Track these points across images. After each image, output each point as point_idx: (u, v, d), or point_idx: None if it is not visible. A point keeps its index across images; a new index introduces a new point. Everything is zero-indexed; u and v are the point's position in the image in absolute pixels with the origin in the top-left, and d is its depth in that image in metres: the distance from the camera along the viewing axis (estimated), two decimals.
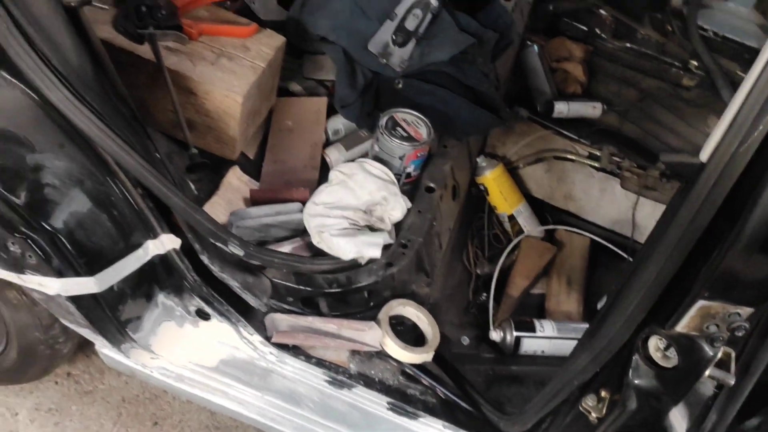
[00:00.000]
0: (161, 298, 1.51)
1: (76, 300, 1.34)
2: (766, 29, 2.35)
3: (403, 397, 1.51)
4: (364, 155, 1.68)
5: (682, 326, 1.06)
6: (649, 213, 2.04)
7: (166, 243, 1.42)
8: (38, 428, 1.86)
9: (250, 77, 1.52)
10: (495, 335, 1.73)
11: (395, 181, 1.56)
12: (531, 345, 1.71)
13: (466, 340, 1.75)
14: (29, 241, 1.24)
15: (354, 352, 1.52)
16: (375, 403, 1.50)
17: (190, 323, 1.54)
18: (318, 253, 1.50)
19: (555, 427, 1.34)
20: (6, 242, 1.25)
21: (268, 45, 1.60)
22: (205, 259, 1.45)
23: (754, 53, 1.01)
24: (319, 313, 1.52)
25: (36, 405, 1.90)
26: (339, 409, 1.52)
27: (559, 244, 2.05)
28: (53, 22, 1.17)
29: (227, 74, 1.51)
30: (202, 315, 1.53)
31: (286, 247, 1.52)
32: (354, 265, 1.48)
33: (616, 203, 2.09)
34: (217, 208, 1.53)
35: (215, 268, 1.46)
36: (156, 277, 1.48)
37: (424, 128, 1.60)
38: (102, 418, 1.91)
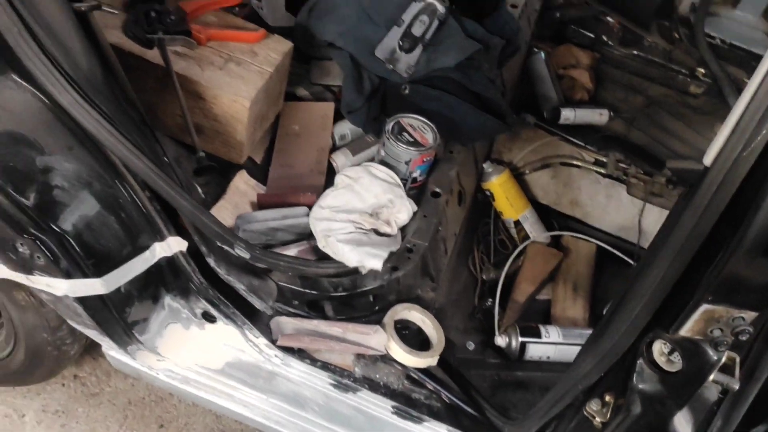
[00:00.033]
0: (168, 300, 1.52)
1: (83, 301, 1.35)
2: None
3: (408, 401, 1.51)
4: (371, 160, 1.68)
5: (686, 330, 1.06)
6: (656, 219, 2.03)
7: (173, 245, 1.43)
8: (45, 430, 1.87)
9: (257, 82, 1.53)
10: (500, 340, 1.72)
11: (401, 184, 1.56)
12: (536, 351, 1.71)
13: (471, 345, 1.74)
14: (38, 242, 1.25)
15: (359, 356, 1.52)
16: (380, 406, 1.50)
17: (196, 325, 1.54)
18: (324, 257, 1.51)
19: None
20: (15, 243, 1.26)
21: (275, 50, 1.61)
22: (211, 261, 1.46)
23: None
24: (324, 317, 1.52)
25: (43, 407, 1.91)
26: (344, 413, 1.52)
27: (565, 250, 2.05)
28: (64, 26, 1.18)
29: (235, 79, 1.52)
30: (208, 317, 1.54)
31: (292, 251, 1.52)
32: (359, 270, 1.49)
33: (622, 210, 2.09)
34: (224, 212, 1.54)
35: (221, 271, 1.47)
36: (163, 280, 1.49)
37: (430, 133, 1.61)
38: (108, 420, 1.91)
